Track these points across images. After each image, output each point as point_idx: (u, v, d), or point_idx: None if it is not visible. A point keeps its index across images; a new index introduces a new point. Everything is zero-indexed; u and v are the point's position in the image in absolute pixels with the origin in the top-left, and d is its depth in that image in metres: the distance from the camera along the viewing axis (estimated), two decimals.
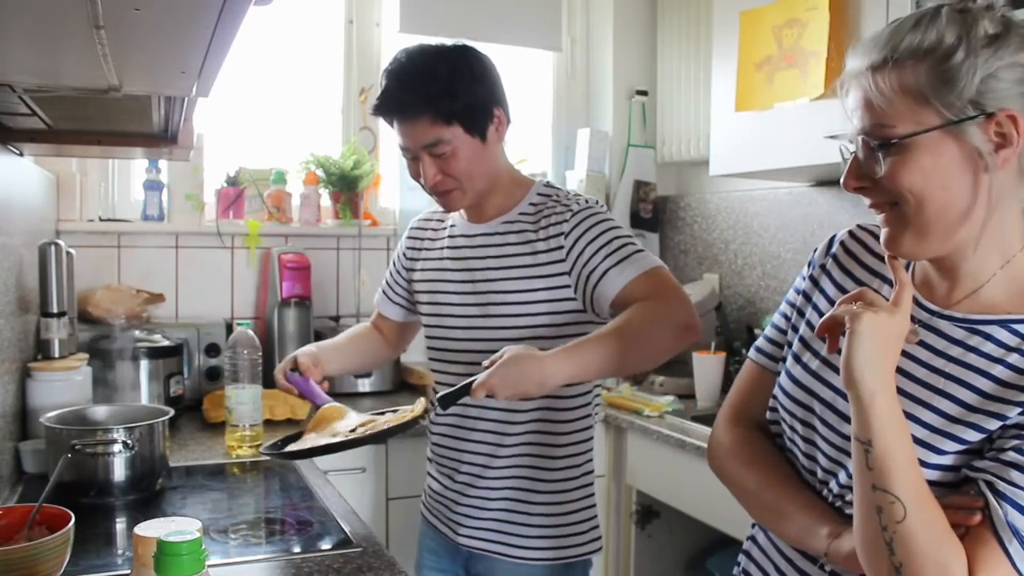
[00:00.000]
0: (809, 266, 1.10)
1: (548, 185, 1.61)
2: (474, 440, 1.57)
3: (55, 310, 1.96)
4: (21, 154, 1.93)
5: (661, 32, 3.08)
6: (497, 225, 1.58)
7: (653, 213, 3.12)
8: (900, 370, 0.91)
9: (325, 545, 1.44)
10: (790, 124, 2.20)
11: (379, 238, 2.95)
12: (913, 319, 0.93)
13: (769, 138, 2.28)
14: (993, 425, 0.86)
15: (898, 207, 0.90)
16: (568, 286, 1.50)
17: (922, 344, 0.93)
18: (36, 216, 2.18)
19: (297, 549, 1.43)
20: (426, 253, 1.70)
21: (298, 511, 1.63)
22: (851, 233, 1.07)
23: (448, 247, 1.64)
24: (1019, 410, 0.84)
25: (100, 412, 1.81)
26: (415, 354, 2.88)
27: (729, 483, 1.08)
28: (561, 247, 1.49)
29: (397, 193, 2.99)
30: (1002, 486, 0.82)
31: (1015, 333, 0.88)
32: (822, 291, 1.06)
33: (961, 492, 0.86)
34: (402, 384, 2.83)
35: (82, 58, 0.95)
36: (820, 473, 0.99)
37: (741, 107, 2.35)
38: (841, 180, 0.94)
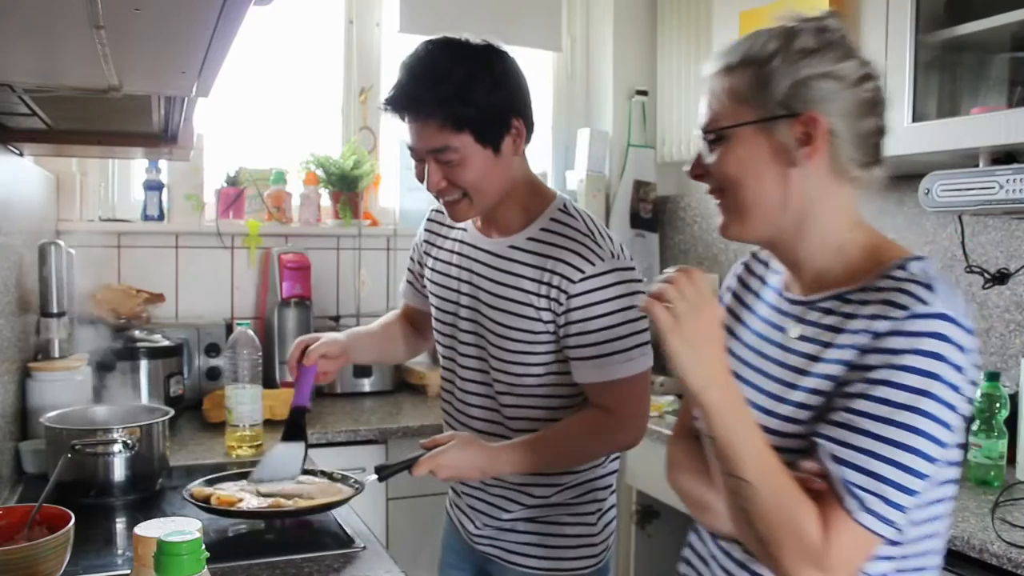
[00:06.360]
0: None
1: (565, 211, 1.48)
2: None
3: (55, 310, 1.96)
4: (21, 154, 1.93)
5: (661, 32, 3.08)
6: (505, 248, 1.48)
7: (653, 213, 3.12)
8: (763, 355, 1.06)
9: (325, 545, 1.44)
10: None
11: (379, 238, 2.95)
12: (781, 312, 1.07)
13: None
14: (821, 383, 0.96)
15: (725, 195, 1.03)
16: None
17: (787, 331, 1.07)
18: (36, 216, 2.18)
19: (297, 549, 1.43)
20: (436, 251, 1.63)
21: None
22: (753, 255, 1.20)
23: (457, 252, 1.57)
24: (836, 363, 0.94)
25: (100, 412, 1.81)
26: None
27: (676, 490, 1.15)
28: (559, 303, 1.40)
29: (397, 193, 2.99)
30: (834, 448, 0.90)
31: (846, 301, 0.99)
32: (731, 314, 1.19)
33: (812, 456, 0.93)
34: (402, 384, 2.83)
35: (82, 58, 0.96)
36: None
37: None
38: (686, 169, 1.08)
